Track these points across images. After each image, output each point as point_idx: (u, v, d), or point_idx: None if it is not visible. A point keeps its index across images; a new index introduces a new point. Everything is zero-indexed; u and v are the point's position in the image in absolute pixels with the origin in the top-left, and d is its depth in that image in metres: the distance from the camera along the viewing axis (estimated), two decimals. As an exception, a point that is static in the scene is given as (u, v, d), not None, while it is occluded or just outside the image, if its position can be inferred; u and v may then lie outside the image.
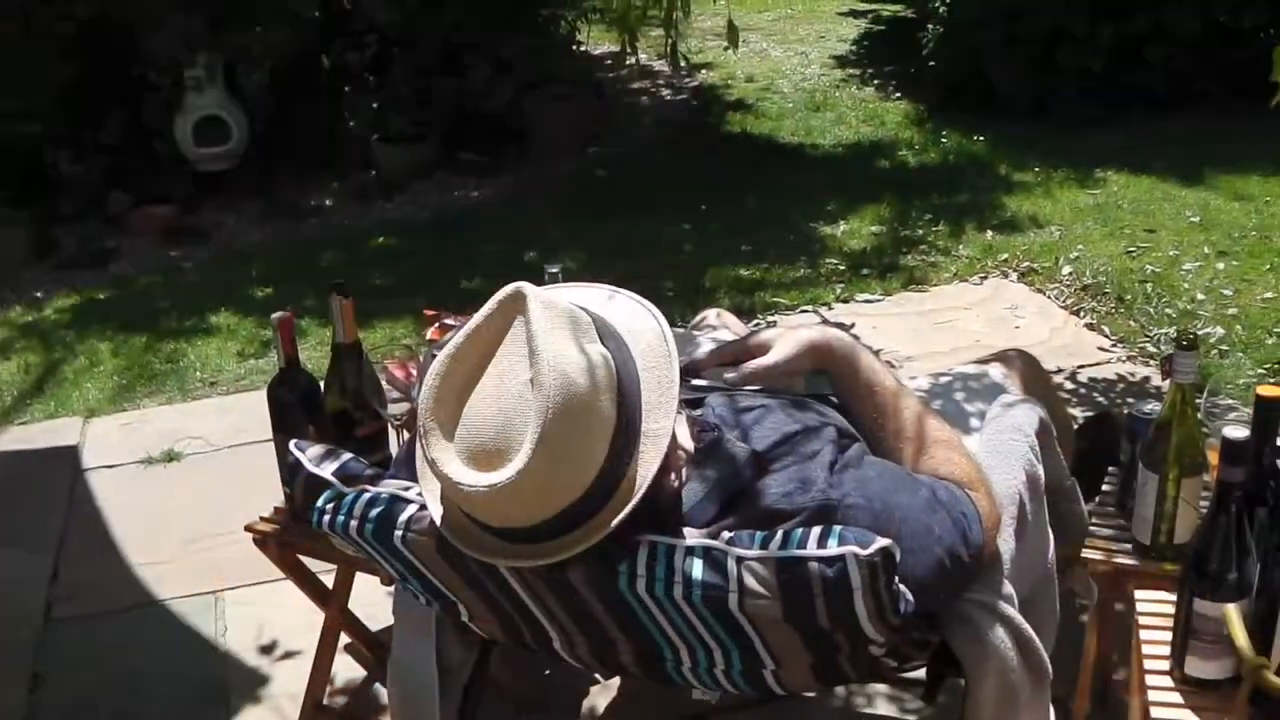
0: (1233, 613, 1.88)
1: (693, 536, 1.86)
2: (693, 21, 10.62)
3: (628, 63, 4.99)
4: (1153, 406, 2.59)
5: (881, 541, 1.77)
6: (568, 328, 1.83)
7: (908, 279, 5.78)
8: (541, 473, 1.73)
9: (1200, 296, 5.41)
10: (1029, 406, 2.63)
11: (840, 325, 5.16)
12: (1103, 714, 2.89)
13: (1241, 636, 1.80)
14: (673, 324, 2.10)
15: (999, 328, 5.18)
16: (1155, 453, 2.46)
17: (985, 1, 8.21)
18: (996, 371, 2.87)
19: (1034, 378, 2.95)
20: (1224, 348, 4.91)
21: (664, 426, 1.86)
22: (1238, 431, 2.12)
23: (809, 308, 5.49)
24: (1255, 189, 6.74)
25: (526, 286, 1.86)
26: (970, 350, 4.62)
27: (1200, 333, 5.02)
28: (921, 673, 2.44)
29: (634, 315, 2.02)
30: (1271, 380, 4.63)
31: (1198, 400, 2.53)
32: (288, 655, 3.44)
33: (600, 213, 7.00)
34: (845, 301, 5.57)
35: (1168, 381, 2.47)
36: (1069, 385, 4.65)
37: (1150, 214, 6.51)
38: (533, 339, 1.77)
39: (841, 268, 5.96)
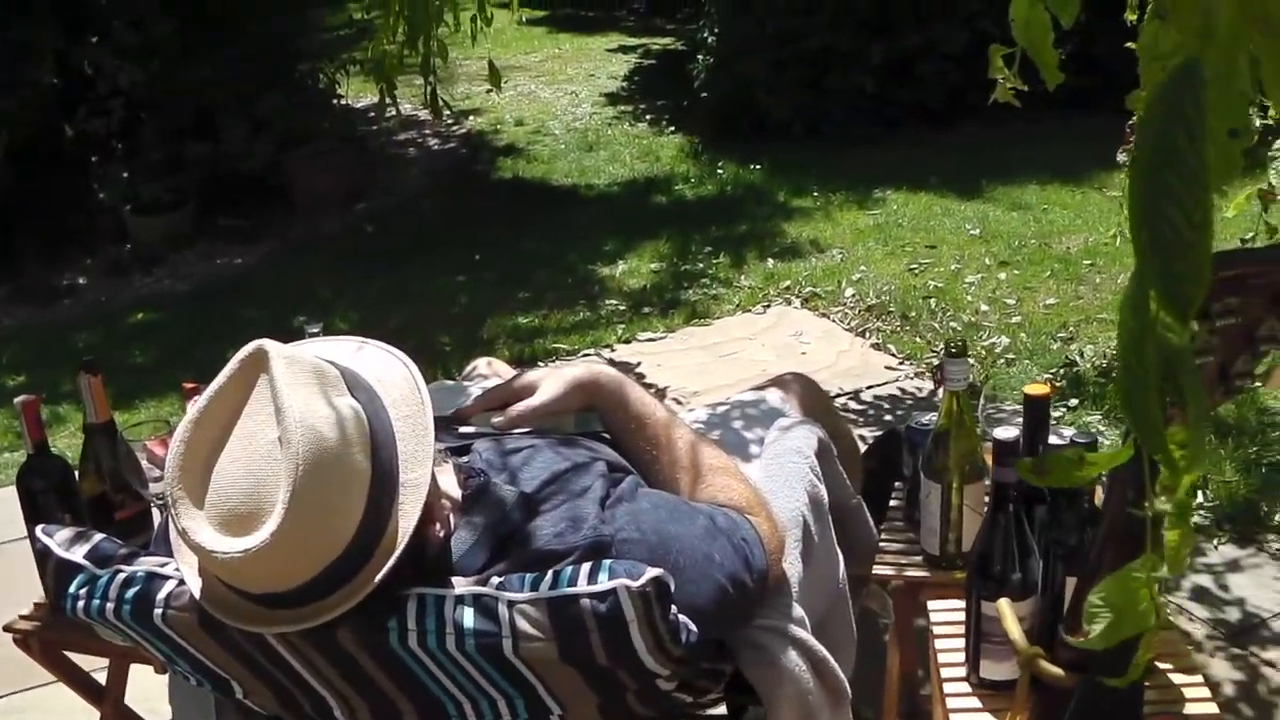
0: (1005, 606, 1.95)
1: (462, 585, 1.86)
2: (456, 67, 10.66)
3: (389, 113, 4.98)
4: (930, 417, 2.67)
5: (652, 572, 1.80)
6: (314, 382, 1.82)
7: (690, 314, 5.87)
8: (296, 532, 1.72)
9: (984, 308, 5.60)
10: (807, 428, 2.69)
11: (624, 366, 5.22)
12: (912, 731, 2.96)
13: (1015, 629, 1.86)
14: (449, 378, 2.11)
15: (785, 355, 5.28)
16: (935, 463, 2.55)
17: (752, 28, 8.41)
18: (774, 396, 2.93)
19: (812, 399, 3.02)
20: (1010, 356, 5.09)
21: (422, 475, 1.86)
22: (1007, 432, 2.20)
23: (591, 351, 5.54)
24: (1032, 198, 7.01)
25: (268, 343, 1.85)
26: (757, 380, 4.70)
27: (986, 343, 5.20)
28: (723, 708, 2.47)
29: (384, 365, 2.02)
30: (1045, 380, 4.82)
31: (975, 406, 2.63)
32: (63, 763, 3.34)
33: (371, 270, 6.97)
34: (627, 342, 5.63)
35: (942, 390, 2.57)
36: (857, 406, 4.77)
37: (930, 230, 6.72)
38: (277, 396, 1.76)
39: (622, 308, 6.03)
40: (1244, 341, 1.29)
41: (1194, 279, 0.75)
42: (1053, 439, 2.51)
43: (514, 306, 6.18)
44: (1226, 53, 0.82)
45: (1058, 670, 1.75)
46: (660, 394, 4.90)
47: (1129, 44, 1.59)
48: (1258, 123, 2.75)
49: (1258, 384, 1.29)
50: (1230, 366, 1.30)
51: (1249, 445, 4.45)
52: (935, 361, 5.11)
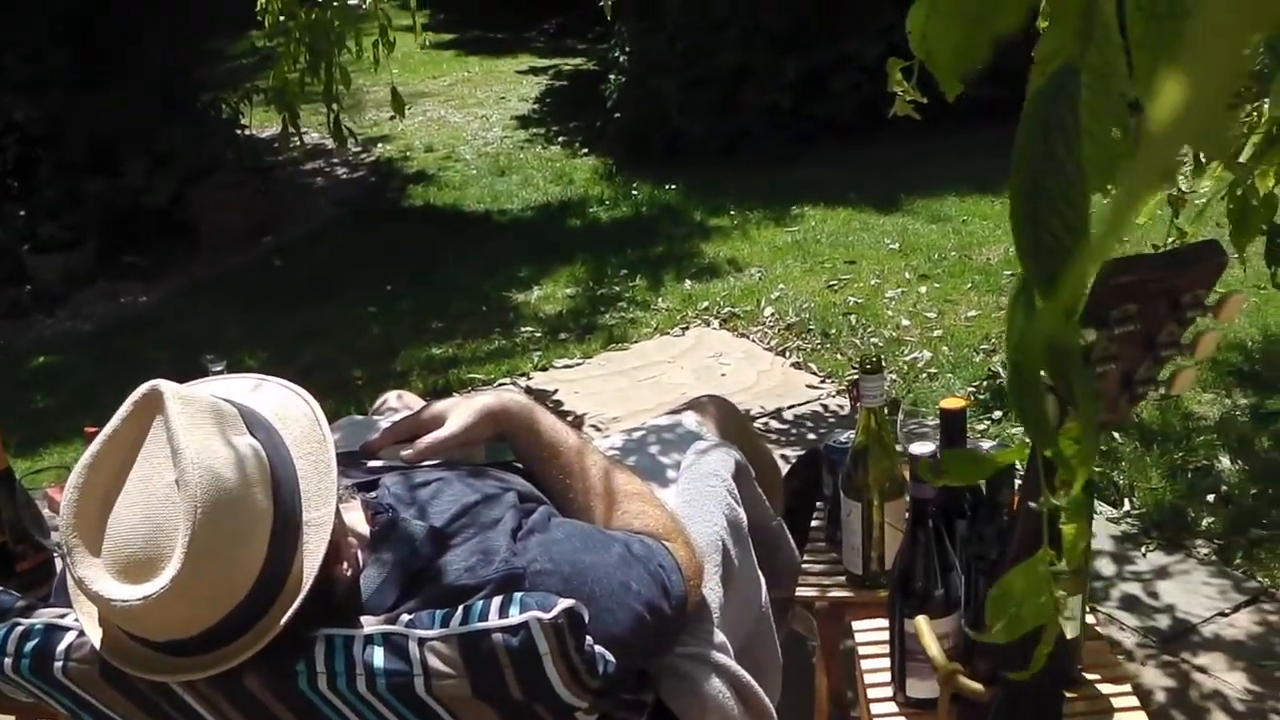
0: (922, 624, 1.96)
1: (372, 624, 1.85)
2: (363, 94, 10.64)
3: (294, 143, 4.94)
4: (849, 435, 2.69)
5: (564, 603, 1.80)
6: (211, 422, 1.80)
7: (608, 338, 5.87)
8: (197, 577, 1.70)
9: (905, 322, 5.65)
10: (723, 450, 2.70)
11: (541, 394, 5.22)
12: (843, 754, 2.97)
13: (934, 646, 1.88)
14: (361, 413, 2.10)
15: (705, 378, 5.30)
16: (854, 481, 2.56)
17: (663, 46, 8.45)
18: (690, 419, 2.94)
19: (729, 421, 3.03)
20: (932, 370, 5.13)
21: (326, 514, 1.85)
22: (923, 447, 2.23)
23: (507, 380, 5.53)
24: (952, 210, 7.08)
25: (163, 383, 1.83)
26: (676, 404, 4.71)
27: (908, 358, 5.24)
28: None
29: (284, 401, 2.01)
30: (966, 394, 4.87)
31: (893, 422, 2.65)
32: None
33: (281, 304, 6.92)
34: (544, 369, 5.63)
35: (859, 407, 2.58)
36: (779, 426, 4.79)
37: (850, 245, 6.77)
38: (174, 437, 1.75)
39: (538, 335, 6.02)
40: (1145, 348, 1.31)
41: (1074, 282, 0.76)
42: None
43: (428, 337, 6.16)
44: (1104, 53, 0.83)
45: (977, 686, 1.76)
46: (578, 421, 4.90)
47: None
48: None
49: (1162, 390, 1.30)
50: (1133, 373, 1.32)
51: (1174, 451, 4.51)
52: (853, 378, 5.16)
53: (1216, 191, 2.28)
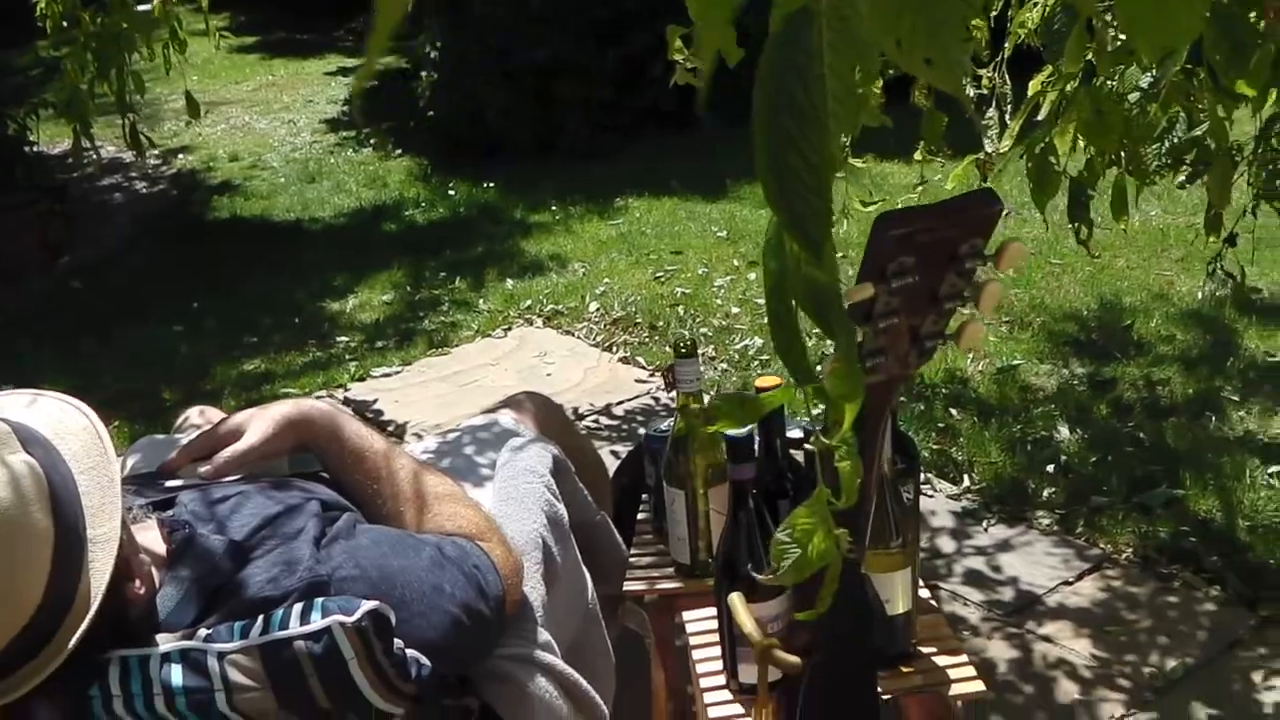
0: (737, 601, 1.99)
1: (168, 642, 1.83)
2: (161, 103, 10.49)
3: (88, 157, 4.84)
4: (669, 423, 2.71)
5: (368, 605, 1.80)
6: (-18, 441, 1.78)
7: (428, 344, 5.85)
8: (-24, 605, 1.67)
9: (735, 310, 5.71)
10: (540, 446, 2.71)
11: (361, 404, 5.19)
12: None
13: (749, 623, 1.90)
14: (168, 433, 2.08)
15: (530, 378, 5.31)
16: (676, 469, 2.59)
17: (476, 41, 8.43)
18: (506, 418, 2.95)
19: (547, 416, 3.04)
20: (764, 356, 5.19)
21: (111, 530, 1.83)
22: (740, 429, 2.26)
23: (324, 393, 5.48)
24: (776, 193, 7.16)
25: (-72, 405, 1.80)
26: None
27: (738, 346, 5.30)
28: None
29: (62, 417, 1.98)
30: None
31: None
32: None
33: (81, 328, 6.77)
34: (362, 379, 5.58)
35: (675, 394, 2.61)
36: (609, 422, 4.82)
37: (675, 235, 6.83)
38: (-57, 459, 1.72)
39: (354, 344, 5.98)
40: (928, 300, 1.35)
41: (819, 219, 0.79)
42: (793, 432, 2.57)
43: (239, 353, 6.07)
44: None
45: (792, 658, 1.80)
46: (400, 431, 4.88)
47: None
48: (971, 92, 2.87)
49: (951, 342, 1.34)
50: (919, 328, 1.36)
51: (1012, 424, 4.62)
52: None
53: (1017, 152, 2.35)
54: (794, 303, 0.85)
